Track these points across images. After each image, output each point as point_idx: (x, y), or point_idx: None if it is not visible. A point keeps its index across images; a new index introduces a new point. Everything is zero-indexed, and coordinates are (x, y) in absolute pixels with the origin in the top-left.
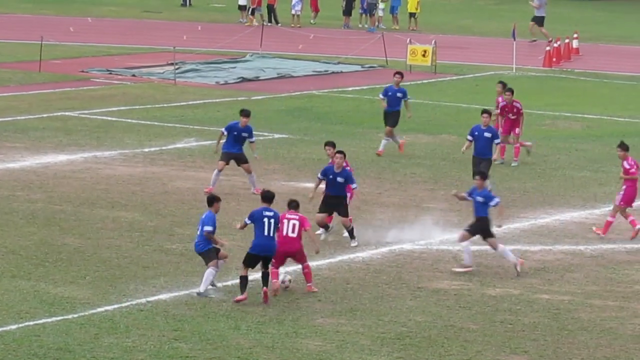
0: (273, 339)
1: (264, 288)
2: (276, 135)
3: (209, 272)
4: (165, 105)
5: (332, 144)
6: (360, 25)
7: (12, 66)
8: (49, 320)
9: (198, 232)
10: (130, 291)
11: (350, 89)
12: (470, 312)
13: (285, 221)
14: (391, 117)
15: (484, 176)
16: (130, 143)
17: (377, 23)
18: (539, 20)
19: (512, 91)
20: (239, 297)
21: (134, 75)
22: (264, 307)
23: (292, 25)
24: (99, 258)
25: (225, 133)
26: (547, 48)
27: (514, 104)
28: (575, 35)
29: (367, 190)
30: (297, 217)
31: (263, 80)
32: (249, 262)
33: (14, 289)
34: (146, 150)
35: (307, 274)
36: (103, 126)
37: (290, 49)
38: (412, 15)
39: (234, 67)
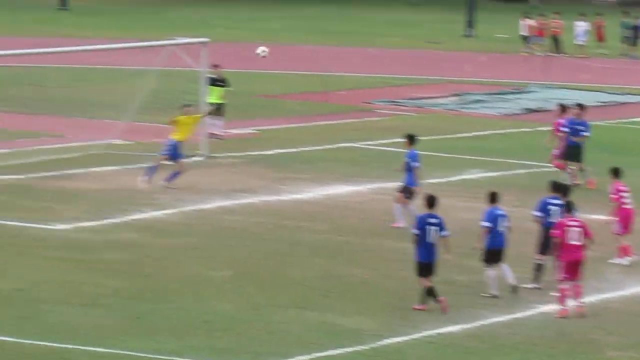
0: None
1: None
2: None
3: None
4: (449, 136)
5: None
6: None
7: (297, 97)
8: (337, 351)
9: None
10: (419, 323)
11: (636, 119)
12: None
13: (568, 228)
14: (572, 150)
15: None
16: None
17: None
18: None
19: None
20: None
21: (418, 106)
22: (557, 339)
23: (577, 55)
24: (385, 289)
25: None
26: None
27: None
28: None
29: None
30: (578, 223)
31: (548, 111)
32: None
33: (301, 320)
34: (431, 181)
35: (577, 292)
36: (388, 156)
37: (575, 80)
38: None
39: (519, 98)
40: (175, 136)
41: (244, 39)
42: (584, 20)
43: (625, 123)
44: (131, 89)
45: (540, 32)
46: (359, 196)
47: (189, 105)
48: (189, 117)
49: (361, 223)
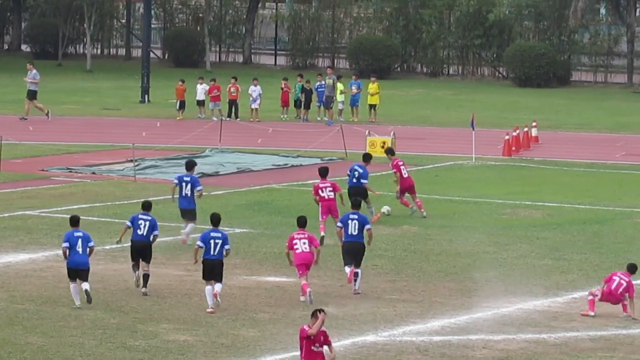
0: None
1: None
2: (237, 230)
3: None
4: (125, 202)
5: None
6: (318, 118)
7: None
8: None
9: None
10: None
11: (310, 182)
12: None
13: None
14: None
15: None
16: None
17: (335, 115)
18: (32, 95)
19: None
20: None
21: (93, 173)
22: None
23: (251, 119)
24: (62, 356)
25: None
26: (506, 137)
27: None
28: (534, 124)
29: (328, 283)
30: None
31: (222, 175)
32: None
33: None
34: (107, 247)
35: None
36: (64, 224)
37: (250, 144)
38: (372, 107)
39: None
40: None
41: None
42: (258, 85)
43: (298, 185)
44: None
45: (216, 98)
46: (34, 264)
47: None
48: None
49: (37, 290)
